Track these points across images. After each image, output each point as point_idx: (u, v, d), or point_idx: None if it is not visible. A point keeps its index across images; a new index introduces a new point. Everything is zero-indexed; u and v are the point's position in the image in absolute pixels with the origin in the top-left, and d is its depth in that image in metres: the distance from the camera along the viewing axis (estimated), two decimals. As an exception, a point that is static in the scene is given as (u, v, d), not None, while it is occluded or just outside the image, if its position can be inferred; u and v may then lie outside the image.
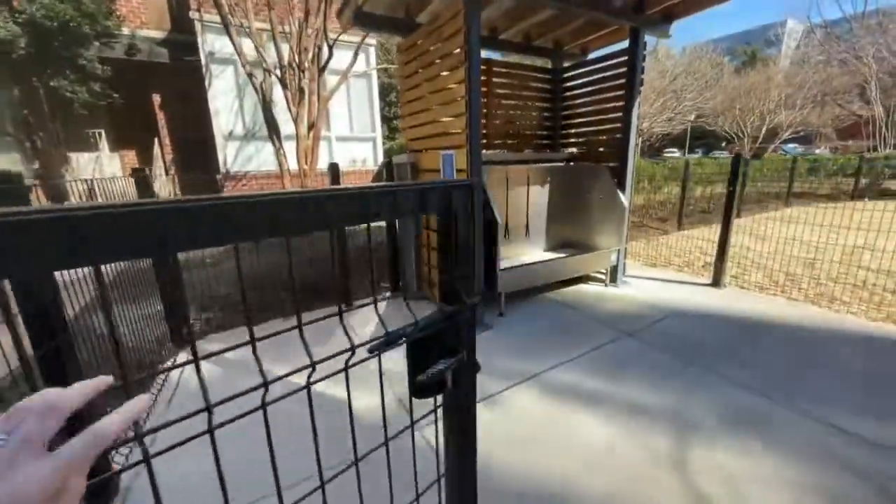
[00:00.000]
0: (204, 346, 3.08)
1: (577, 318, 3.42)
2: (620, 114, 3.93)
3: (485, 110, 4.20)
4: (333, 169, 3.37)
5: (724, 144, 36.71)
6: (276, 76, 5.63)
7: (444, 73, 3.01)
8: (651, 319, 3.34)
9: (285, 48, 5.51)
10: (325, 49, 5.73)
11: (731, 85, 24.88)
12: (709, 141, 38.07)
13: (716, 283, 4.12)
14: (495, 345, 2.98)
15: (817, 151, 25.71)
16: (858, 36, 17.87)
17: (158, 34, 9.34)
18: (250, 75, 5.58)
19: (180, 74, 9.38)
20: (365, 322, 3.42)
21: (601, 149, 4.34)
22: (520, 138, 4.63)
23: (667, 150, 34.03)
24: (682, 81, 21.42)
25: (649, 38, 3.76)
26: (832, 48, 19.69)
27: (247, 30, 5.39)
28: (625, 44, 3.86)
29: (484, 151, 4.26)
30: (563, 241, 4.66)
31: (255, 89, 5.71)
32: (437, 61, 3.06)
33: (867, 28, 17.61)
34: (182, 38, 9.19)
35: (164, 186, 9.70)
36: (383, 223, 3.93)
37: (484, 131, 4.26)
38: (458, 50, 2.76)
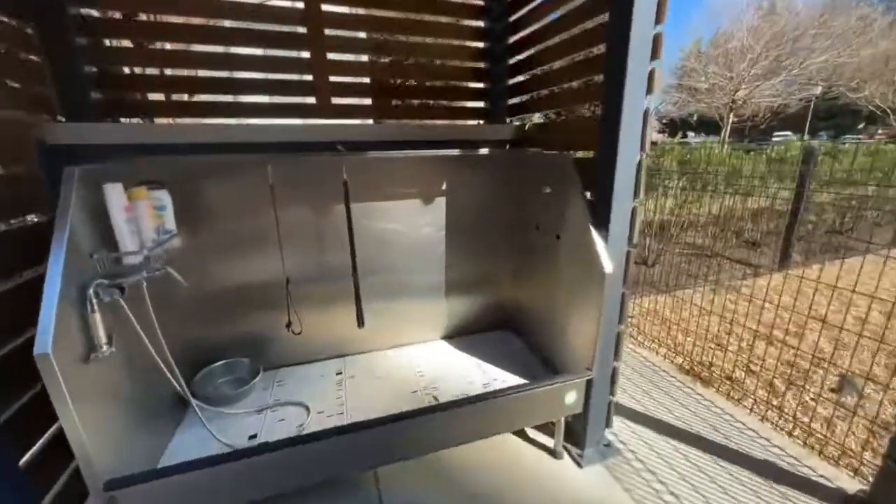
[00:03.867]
0: None
1: None
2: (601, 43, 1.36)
3: (302, 29, 1.87)
4: None
5: (862, 126, 28.05)
6: None
7: None
8: None
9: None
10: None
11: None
12: (838, 122, 29.49)
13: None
14: None
15: None
16: None
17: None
18: None
19: None
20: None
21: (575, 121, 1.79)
22: (416, 95, 2.22)
23: (777, 133, 26.78)
24: (808, 40, 15.84)
25: None
26: None
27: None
28: None
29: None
30: (493, 307, 2.20)
31: None
32: None
33: None
34: None
35: None
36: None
37: (306, 78, 1.94)
38: None
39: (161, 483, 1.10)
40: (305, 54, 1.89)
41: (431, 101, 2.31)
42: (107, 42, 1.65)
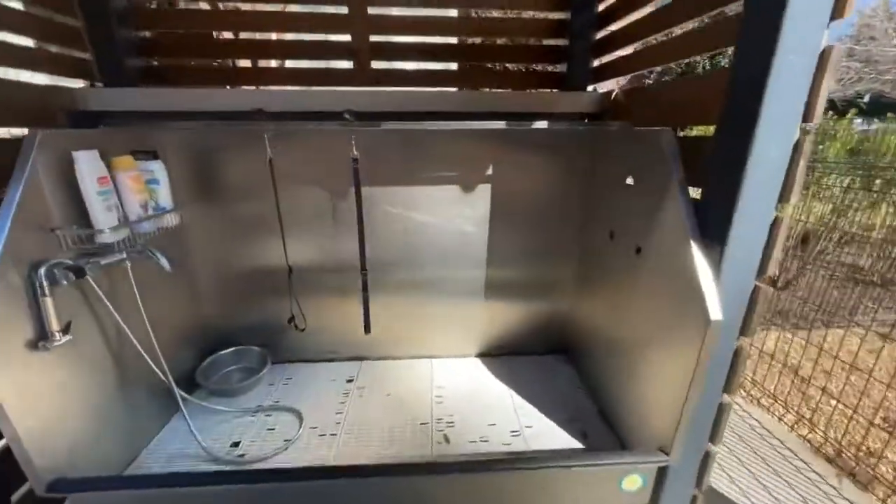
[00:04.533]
0: None
1: None
2: None
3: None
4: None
5: None
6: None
7: None
8: None
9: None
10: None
11: None
12: None
13: None
14: None
15: None
16: None
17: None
18: None
19: None
20: None
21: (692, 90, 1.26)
22: (472, 56, 1.81)
23: None
24: None
25: None
26: None
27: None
28: None
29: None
30: (544, 324, 1.77)
31: None
32: None
33: None
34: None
35: None
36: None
37: (342, 39, 1.67)
38: None
39: (111, 494, 0.98)
40: (343, 9, 1.63)
41: (493, 64, 1.89)
42: (142, 6, 1.59)
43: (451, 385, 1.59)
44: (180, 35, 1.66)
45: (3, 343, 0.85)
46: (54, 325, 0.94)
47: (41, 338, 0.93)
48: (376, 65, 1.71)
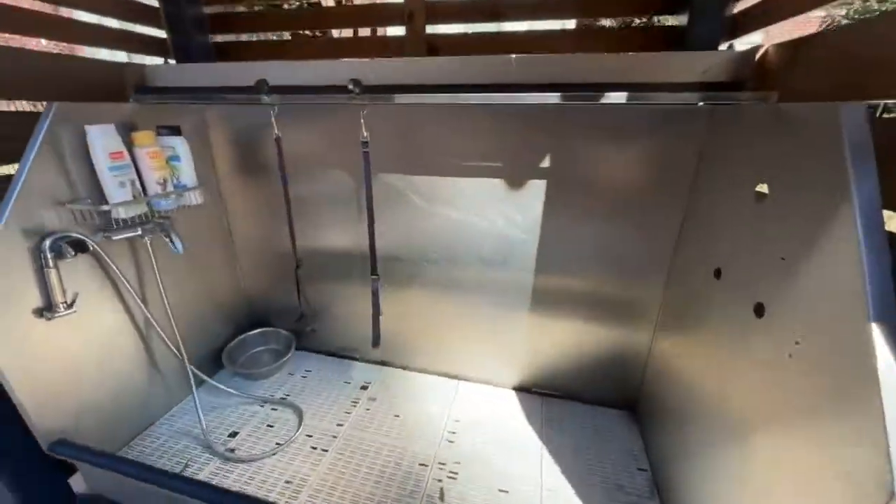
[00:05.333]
0: None
1: None
2: None
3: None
4: None
5: None
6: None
7: None
8: None
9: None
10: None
11: None
12: None
13: None
14: None
15: None
16: None
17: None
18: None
19: None
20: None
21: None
22: (553, 11, 1.40)
23: None
24: None
25: None
26: None
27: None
28: None
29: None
30: (608, 368, 1.36)
31: None
32: None
33: None
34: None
35: None
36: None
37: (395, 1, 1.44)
38: None
39: (100, 472, 1.00)
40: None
41: (588, 22, 1.45)
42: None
43: (471, 420, 1.31)
44: (238, 9, 1.65)
45: (9, 310, 0.89)
46: (58, 296, 0.96)
47: (46, 308, 0.96)
48: (431, 29, 1.45)
